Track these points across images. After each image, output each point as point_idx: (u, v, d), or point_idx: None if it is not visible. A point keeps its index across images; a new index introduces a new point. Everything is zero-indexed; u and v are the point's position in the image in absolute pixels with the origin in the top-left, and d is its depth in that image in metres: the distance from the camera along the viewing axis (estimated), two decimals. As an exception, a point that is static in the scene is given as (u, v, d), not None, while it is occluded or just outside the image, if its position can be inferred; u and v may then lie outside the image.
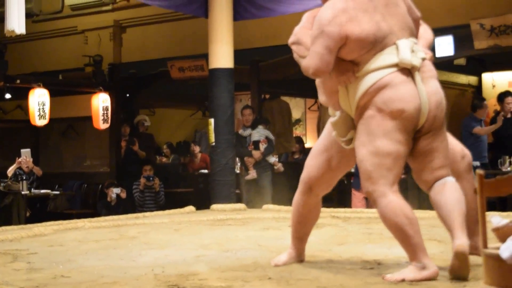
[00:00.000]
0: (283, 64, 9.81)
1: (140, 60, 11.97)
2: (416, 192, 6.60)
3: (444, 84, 3.25)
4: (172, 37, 11.68)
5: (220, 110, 7.65)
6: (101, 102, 9.93)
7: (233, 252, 4.07)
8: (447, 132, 3.21)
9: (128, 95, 11.52)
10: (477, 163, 7.78)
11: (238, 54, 8.10)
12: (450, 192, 3.05)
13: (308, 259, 3.64)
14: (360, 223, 5.53)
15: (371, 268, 3.41)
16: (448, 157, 3.16)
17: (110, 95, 10.13)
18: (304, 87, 10.74)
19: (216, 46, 7.65)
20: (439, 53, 8.10)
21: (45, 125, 9.46)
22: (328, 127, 3.42)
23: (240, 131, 8.52)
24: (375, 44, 3.07)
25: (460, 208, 3.02)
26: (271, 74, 10.18)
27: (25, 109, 10.35)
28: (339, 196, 8.70)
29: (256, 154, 8.30)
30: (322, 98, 3.40)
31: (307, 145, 11.21)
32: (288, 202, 3.65)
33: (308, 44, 3.19)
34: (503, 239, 2.72)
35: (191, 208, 7.29)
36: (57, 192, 9.82)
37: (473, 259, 3.08)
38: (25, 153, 9.05)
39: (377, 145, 3.04)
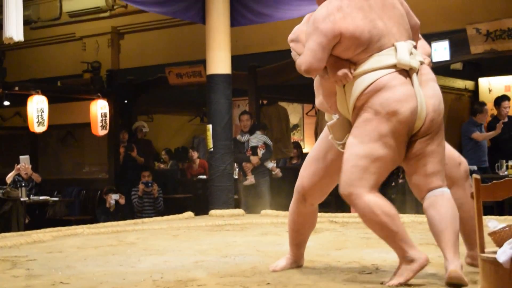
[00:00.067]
0: (281, 70, 9.83)
1: (138, 66, 11.99)
2: (413, 197, 6.61)
3: (441, 89, 3.22)
4: (170, 43, 11.71)
5: (218, 116, 7.67)
6: (99, 108, 9.95)
7: (231, 257, 4.08)
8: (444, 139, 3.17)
9: (126, 101, 11.53)
10: (475, 167, 7.79)
11: (236, 60, 8.13)
12: (444, 208, 3.01)
13: (306, 264, 3.65)
14: (358, 228, 5.53)
15: (369, 273, 3.42)
16: (444, 163, 3.12)
17: (108, 101, 10.15)
18: (302, 92, 10.79)
19: (213, 52, 7.67)
20: (435, 58, 8.11)
21: (44, 132, 9.48)
22: (322, 135, 3.42)
23: (238, 137, 8.53)
24: (371, 42, 3.05)
25: (453, 227, 2.98)
26: (268, 79, 10.19)
27: (23, 116, 10.36)
28: (337, 201, 8.69)
29: (254, 159, 8.31)
30: (318, 101, 3.38)
31: (305, 150, 11.21)
32: (286, 208, 3.65)
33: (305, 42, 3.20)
34: (499, 243, 2.72)
35: (189, 213, 7.31)
36: (56, 199, 9.82)
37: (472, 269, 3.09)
38: (24, 159, 9.05)
39: (369, 148, 3.01)
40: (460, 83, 10.93)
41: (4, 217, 7.50)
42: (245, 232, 5.63)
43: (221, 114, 7.68)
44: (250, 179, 8.30)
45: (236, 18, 7.98)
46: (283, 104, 11.46)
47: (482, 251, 2.75)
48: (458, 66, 9.81)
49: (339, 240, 4.83)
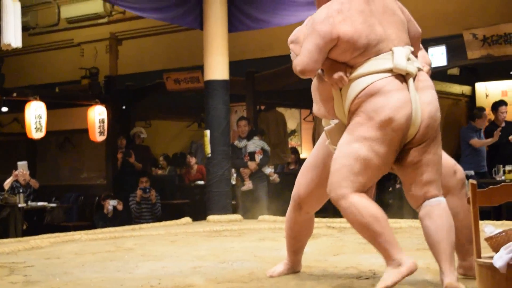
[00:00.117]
0: (278, 75, 9.85)
1: (136, 72, 12.02)
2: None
3: (438, 94, 3.16)
4: (167, 49, 11.73)
5: (216, 122, 7.69)
6: (97, 114, 9.96)
7: (229, 263, 4.08)
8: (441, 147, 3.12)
9: (124, 107, 11.54)
10: (472, 172, 7.80)
11: (234, 66, 8.14)
12: (440, 219, 2.96)
13: (303, 270, 3.66)
14: (355, 233, 5.48)
15: (366, 278, 3.42)
16: (440, 173, 3.07)
17: (106, 107, 10.15)
18: (300, 98, 10.83)
19: (211, 58, 7.69)
20: (432, 64, 8.14)
21: (42, 138, 9.47)
22: (319, 142, 3.40)
23: (236, 142, 8.54)
24: (368, 47, 3.02)
25: (449, 238, 2.94)
26: (266, 85, 10.21)
27: (21, 122, 10.36)
28: (334, 206, 8.70)
29: (252, 165, 8.32)
30: (316, 108, 3.35)
31: (302, 156, 11.23)
32: (284, 213, 3.65)
33: None
34: (496, 248, 2.72)
35: (187, 219, 7.31)
36: (54, 205, 9.80)
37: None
38: (22, 166, 9.05)
39: (354, 148, 2.96)
40: (457, 88, 10.96)
41: (2, 223, 7.50)
42: (243, 238, 5.64)
43: (219, 119, 7.69)
44: (248, 185, 8.31)
45: (234, 24, 8.00)
46: (280, 109, 11.48)
47: (479, 256, 2.76)
48: (455, 71, 9.84)
49: (337, 246, 4.83)
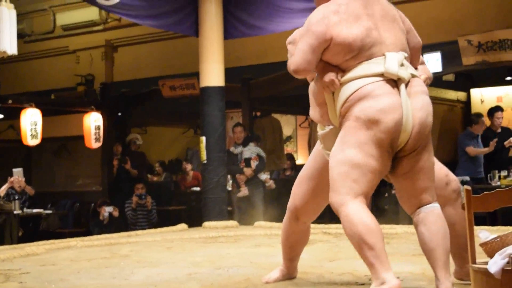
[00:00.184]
0: (274, 82, 9.86)
1: (131, 79, 12.00)
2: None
3: (433, 100, 3.15)
4: (163, 56, 11.74)
5: (212, 128, 7.69)
6: (93, 121, 9.95)
7: (225, 269, 4.08)
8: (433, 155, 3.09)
9: (120, 114, 11.54)
10: (467, 178, 7.82)
11: (229, 72, 8.15)
12: (434, 226, 2.95)
13: (299, 276, 3.66)
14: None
15: (362, 284, 3.43)
16: (433, 179, 3.05)
17: (102, 114, 10.15)
18: (295, 104, 10.84)
19: (207, 65, 7.70)
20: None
21: (37, 145, 9.47)
22: (314, 151, 3.38)
23: (232, 149, 8.55)
24: (361, 50, 2.99)
25: (444, 245, 2.94)
26: (262, 91, 10.22)
27: (17, 129, 10.35)
28: (331, 212, 8.69)
29: (248, 171, 8.33)
30: (312, 111, 3.32)
31: (298, 162, 11.23)
32: (280, 219, 3.66)
33: None
34: (491, 254, 2.73)
35: (183, 225, 7.31)
36: (50, 211, 9.80)
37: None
38: (17, 172, 9.02)
39: (347, 154, 2.92)
40: (452, 94, 10.98)
41: (-2, 230, 7.48)
42: (239, 244, 5.64)
43: (215, 126, 7.70)
44: (244, 191, 8.31)
45: (229, 31, 8.01)
46: (276, 116, 11.49)
47: (474, 262, 2.76)
48: (450, 77, 9.86)
49: (333, 252, 4.84)
